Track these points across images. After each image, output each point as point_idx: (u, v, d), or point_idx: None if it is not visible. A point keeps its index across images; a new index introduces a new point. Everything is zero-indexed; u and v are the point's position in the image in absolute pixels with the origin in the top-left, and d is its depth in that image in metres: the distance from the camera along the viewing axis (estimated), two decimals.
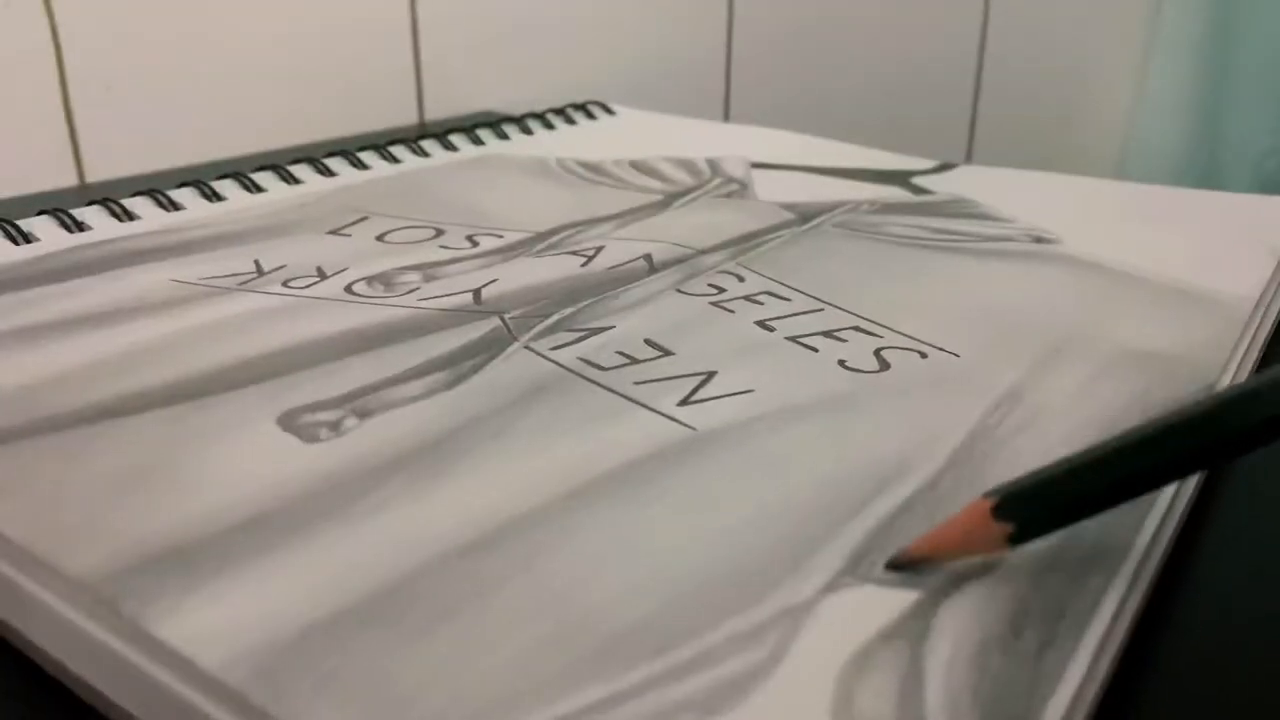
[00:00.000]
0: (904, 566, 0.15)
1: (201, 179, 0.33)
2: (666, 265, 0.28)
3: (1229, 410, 0.14)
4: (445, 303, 0.25)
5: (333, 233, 0.30)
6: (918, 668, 0.13)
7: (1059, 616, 0.14)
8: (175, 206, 0.31)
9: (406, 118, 0.50)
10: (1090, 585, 0.15)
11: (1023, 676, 0.13)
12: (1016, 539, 0.15)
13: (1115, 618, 0.15)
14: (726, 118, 0.65)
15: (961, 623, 0.14)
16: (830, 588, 0.15)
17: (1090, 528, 0.16)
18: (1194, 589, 0.17)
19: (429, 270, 0.27)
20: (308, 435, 0.19)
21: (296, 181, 0.34)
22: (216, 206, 0.32)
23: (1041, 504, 0.15)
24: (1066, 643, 0.14)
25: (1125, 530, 0.16)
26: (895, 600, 0.15)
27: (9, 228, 0.28)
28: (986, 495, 0.15)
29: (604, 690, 0.13)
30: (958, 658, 0.14)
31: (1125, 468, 0.15)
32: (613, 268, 0.27)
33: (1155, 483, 0.15)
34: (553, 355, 0.22)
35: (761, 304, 0.25)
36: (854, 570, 0.15)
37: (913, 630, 0.14)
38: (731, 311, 0.25)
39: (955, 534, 0.15)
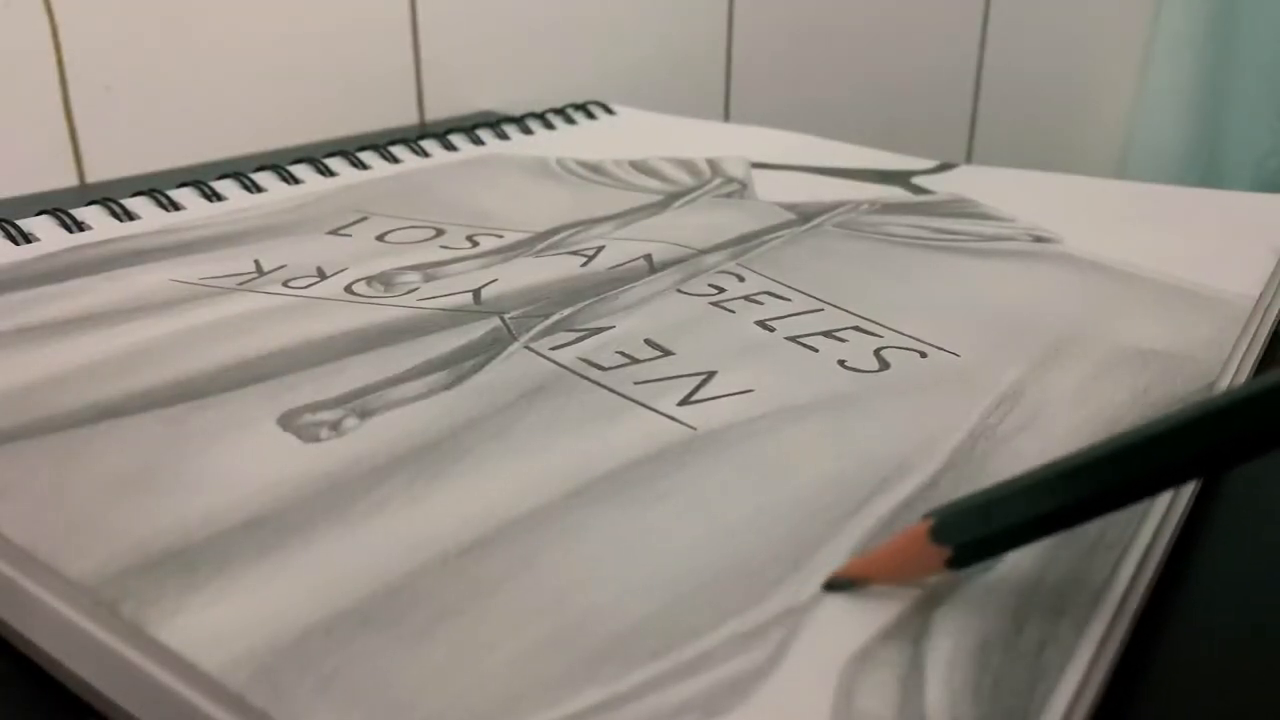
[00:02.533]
0: (840, 587, 0.15)
1: (201, 179, 0.33)
2: (667, 265, 0.28)
3: (1161, 443, 0.13)
4: (445, 303, 0.25)
5: (333, 233, 0.30)
6: (918, 666, 0.13)
7: (1060, 614, 0.14)
8: (175, 206, 0.31)
9: (406, 118, 0.50)
10: (1091, 582, 0.15)
11: (1023, 674, 0.13)
12: (957, 563, 0.14)
13: (1116, 615, 0.15)
14: (726, 118, 0.65)
15: (962, 621, 0.14)
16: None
17: (1091, 525, 0.16)
18: (1195, 586, 0.17)
19: (429, 270, 0.27)
20: (308, 435, 0.19)
21: (296, 181, 0.34)
22: (216, 206, 0.32)
23: (982, 526, 0.14)
24: (1067, 640, 0.14)
25: (1127, 527, 0.16)
26: (895, 599, 0.15)
27: (9, 228, 0.28)
28: (927, 515, 0.15)
29: (604, 692, 0.13)
30: (958, 656, 0.14)
31: (1070, 493, 0.14)
32: (613, 268, 0.27)
33: (1098, 511, 0.14)
34: (553, 355, 0.22)
35: (761, 304, 0.25)
36: None
37: (913, 628, 0.14)
38: (732, 311, 0.25)
39: (893, 556, 0.14)
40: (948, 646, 0.14)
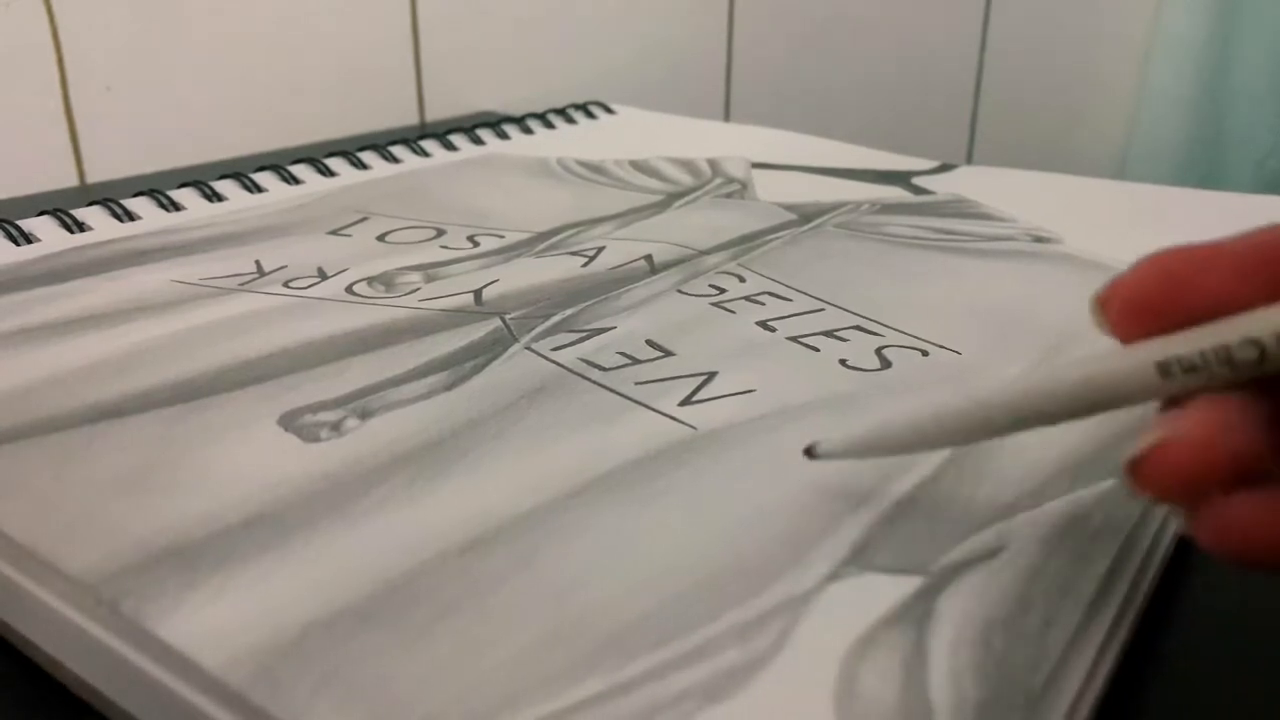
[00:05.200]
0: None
1: (201, 179, 0.33)
2: (667, 266, 0.28)
3: None
4: (446, 303, 0.25)
5: (333, 233, 0.30)
6: (921, 649, 0.13)
7: (1063, 596, 0.14)
8: (175, 206, 0.31)
9: (406, 118, 0.50)
10: (1095, 566, 0.15)
11: (1027, 656, 0.13)
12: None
13: (1126, 599, 0.15)
14: (726, 118, 0.65)
15: (965, 604, 0.14)
16: (833, 576, 0.15)
17: (1095, 509, 0.16)
18: (1200, 571, 0.17)
19: (430, 270, 0.27)
20: (308, 435, 0.19)
21: (296, 181, 0.34)
22: (217, 206, 0.32)
23: None
24: (1070, 622, 0.14)
25: (1131, 511, 0.16)
26: (898, 585, 0.15)
27: (9, 228, 0.28)
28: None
29: (604, 682, 0.13)
30: (961, 638, 0.14)
31: None
32: (614, 268, 0.27)
33: None
34: (554, 356, 0.22)
35: (762, 304, 0.25)
36: (856, 560, 0.15)
37: (916, 613, 0.14)
38: (732, 312, 0.25)
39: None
40: (951, 629, 0.14)
